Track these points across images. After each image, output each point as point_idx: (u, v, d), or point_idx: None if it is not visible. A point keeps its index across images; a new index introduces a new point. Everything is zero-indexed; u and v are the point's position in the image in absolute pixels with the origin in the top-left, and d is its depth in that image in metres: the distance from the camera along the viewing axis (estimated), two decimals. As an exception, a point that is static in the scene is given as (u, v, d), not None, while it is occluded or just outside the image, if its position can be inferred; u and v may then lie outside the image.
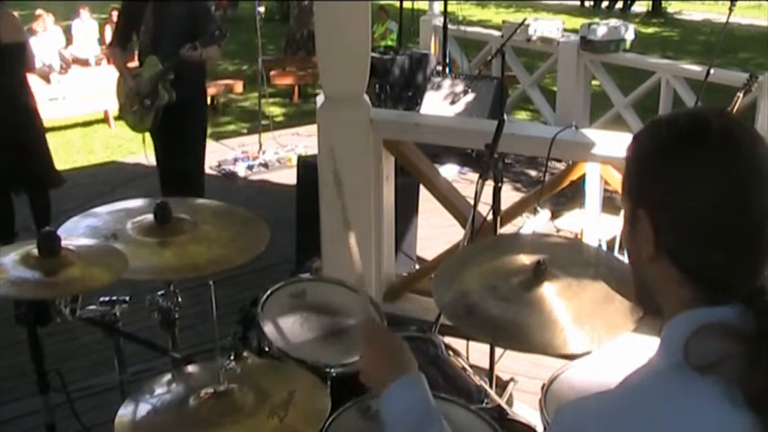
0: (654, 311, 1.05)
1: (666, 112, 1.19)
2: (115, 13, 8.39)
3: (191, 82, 4.48)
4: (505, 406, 2.23)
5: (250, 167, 6.85)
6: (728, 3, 5.22)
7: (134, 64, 4.82)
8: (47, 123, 5.75)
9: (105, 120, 9.47)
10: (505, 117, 2.67)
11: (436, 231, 4.83)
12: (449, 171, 6.20)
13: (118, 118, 8.22)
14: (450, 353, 2.44)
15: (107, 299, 2.29)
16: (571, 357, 2.13)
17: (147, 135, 4.69)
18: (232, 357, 1.92)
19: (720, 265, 0.95)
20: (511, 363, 3.06)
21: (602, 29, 7.06)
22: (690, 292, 0.98)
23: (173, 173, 4.59)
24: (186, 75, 4.39)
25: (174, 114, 4.39)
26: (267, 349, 2.09)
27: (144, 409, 1.78)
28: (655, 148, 1.00)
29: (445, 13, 7.74)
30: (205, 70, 4.70)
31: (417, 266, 4.43)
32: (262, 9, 7.89)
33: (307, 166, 4.39)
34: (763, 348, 0.91)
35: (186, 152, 4.62)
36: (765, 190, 0.94)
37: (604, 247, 3.93)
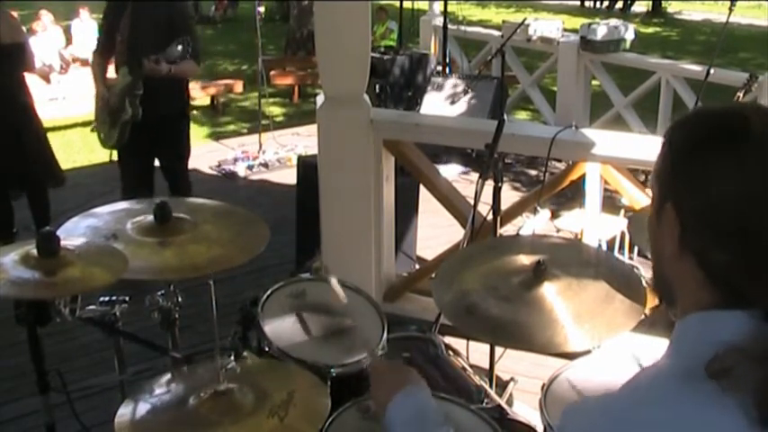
0: (669, 301, 1.01)
1: (704, 106, 1.14)
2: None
3: (169, 96, 4.21)
4: (505, 406, 2.23)
5: (250, 167, 6.85)
6: (728, 3, 5.22)
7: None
8: (47, 123, 5.74)
9: (105, 120, 9.45)
10: (505, 117, 2.66)
11: (436, 231, 4.83)
12: (449, 171, 6.19)
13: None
14: (450, 353, 2.44)
15: (107, 299, 2.30)
16: (571, 357, 2.13)
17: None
18: (232, 357, 1.93)
19: (746, 270, 0.90)
20: (511, 363, 3.06)
21: (602, 29, 7.06)
22: (709, 296, 0.93)
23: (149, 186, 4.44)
24: (164, 89, 4.10)
25: (157, 128, 4.20)
26: (267, 349, 2.09)
27: (144, 408, 1.78)
28: (689, 143, 0.95)
29: (445, 13, 7.74)
30: (185, 85, 4.41)
31: (417, 266, 4.43)
32: (262, 9, 7.89)
33: (307, 166, 4.38)
34: None
35: (171, 164, 4.49)
36: None
37: (604, 247, 3.93)
